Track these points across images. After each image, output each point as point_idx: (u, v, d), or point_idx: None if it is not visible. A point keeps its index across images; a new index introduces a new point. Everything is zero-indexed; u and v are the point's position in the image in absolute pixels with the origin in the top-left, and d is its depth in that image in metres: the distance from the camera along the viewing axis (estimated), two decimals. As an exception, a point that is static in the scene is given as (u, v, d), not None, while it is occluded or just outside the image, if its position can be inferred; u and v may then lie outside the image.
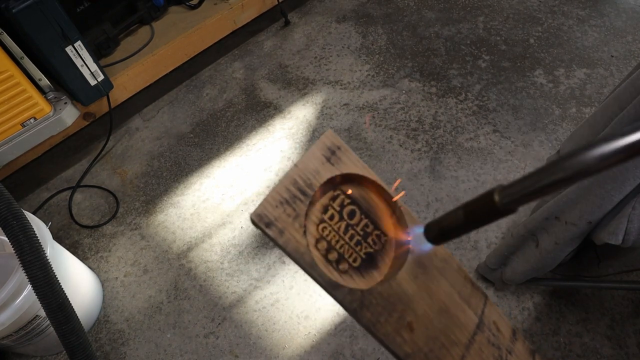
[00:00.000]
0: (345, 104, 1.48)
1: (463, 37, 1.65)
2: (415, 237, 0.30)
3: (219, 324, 1.06)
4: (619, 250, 1.03)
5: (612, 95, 0.75)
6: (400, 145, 1.34)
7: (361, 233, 0.30)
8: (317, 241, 0.29)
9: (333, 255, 0.29)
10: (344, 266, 0.29)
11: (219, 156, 1.39)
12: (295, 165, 0.28)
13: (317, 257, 0.28)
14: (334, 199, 0.30)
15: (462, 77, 1.52)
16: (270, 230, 0.26)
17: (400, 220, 0.32)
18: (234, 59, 1.68)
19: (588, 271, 1.05)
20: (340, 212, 0.30)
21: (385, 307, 0.29)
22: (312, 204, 0.29)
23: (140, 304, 1.12)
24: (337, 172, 0.30)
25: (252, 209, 1.24)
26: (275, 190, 0.27)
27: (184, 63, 1.54)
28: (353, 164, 0.31)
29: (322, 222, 0.29)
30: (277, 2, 1.67)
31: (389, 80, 1.53)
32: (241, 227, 1.22)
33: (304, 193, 0.28)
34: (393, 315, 0.29)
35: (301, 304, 1.07)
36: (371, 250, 0.30)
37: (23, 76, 1.12)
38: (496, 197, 0.22)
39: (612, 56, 1.52)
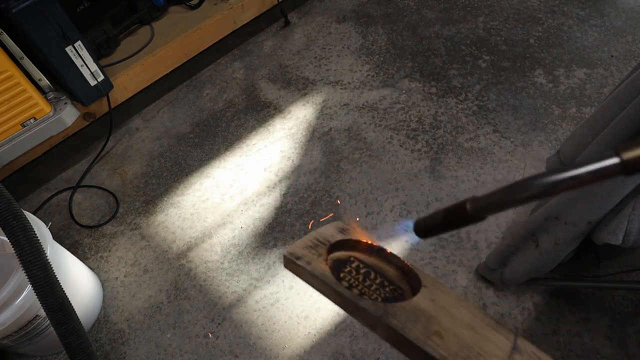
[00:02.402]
0: (345, 104, 1.48)
1: (463, 37, 1.65)
2: (405, 228, 0.34)
3: (219, 324, 1.06)
4: (619, 250, 1.03)
5: (612, 95, 0.75)
6: (401, 146, 1.34)
7: (378, 284, 0.33)
8: (339, 280, 0.33)
9: (356, 292, 0.32)
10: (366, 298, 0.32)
11: (219, 156, 1.39)
12: (317, 231, 0.35)
13: (330, 276, 0.33)
14: (349, 262, 0.35)
15: (462, 77, 1.52)
16: (300, 261, 0.32)
17: (413, 280, 0.35)
18: (234, 59, 1.68)
19: (588, 271, 1.05)
20: (357, 270, 0.34)
21: (409, 318, 0.30)
22: (331, 251, 0.34)
23: (140, 304, 1.12)
24: (349, 237, 0.35)
25: (252, 209, 1.25)
26: (302, 241, 0.34)
27: (184, 63, 1.54)
28: (363, 236, 0.36)
29: (341, 271, 0.34)
30: (277, 2, 1.67)
31: (389, 80, 1.53)
32: (241, 227, 1.22)
33: (323, 243, 0.35)
34: (418, 324, 0.30)
35: (301, 304, 1.07)
36: (390, 295, 0.33)
37: (23, 76, 1.12)
38: (468, 206, 0.27)
39: (612, 56, 1.52)
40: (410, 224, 0.32)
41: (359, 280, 0.33)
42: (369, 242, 0.36)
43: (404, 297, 0.33)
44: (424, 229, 0.31)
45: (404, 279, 0.35)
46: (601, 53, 1.53)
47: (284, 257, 0.32)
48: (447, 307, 0.32)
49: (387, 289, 0.33)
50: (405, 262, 0.35)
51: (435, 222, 0.30)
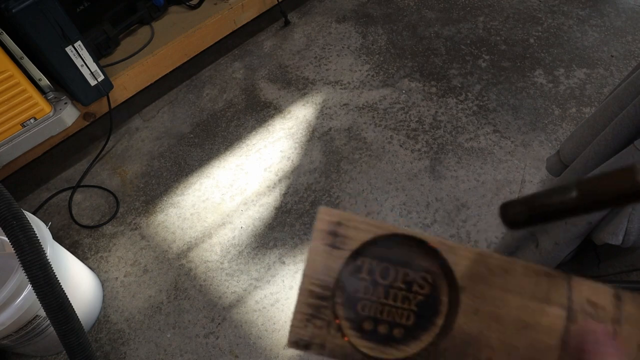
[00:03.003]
0: (345, 104, 1.48)
1: (463, 37, 1.65)
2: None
3: (219, 324, 1.06)
4: (619, 250, 1.03)
5: (612, 95, 0.75)
6: (401, 146, 1.34)
7: (403, 286, 0.27)
8: (360, 327, 0.26)
9: (384, 328, 0.26)
10: (398, 332, 0.26)
11: (219, 156, 1.39)
12: (304, 274, 0.26)
13: (366, 346, 0.26)
14: (360, 269, 0.27)
15: (462, 77, 1.52)
16: (312, 349, 0.25)
17: (431, 251, 0.28)
18: (234, 59, 1.68)
19: (588, 271, 1.05)
20: (372, 280, 0.27)
21: (457, 356, 0.26)
22: (336, 301, 0.27)
23: (140, 304, 1.12)
24: (348, 253, 0.27)
25: (252, 209, 1.25)
26: (296, 311, 0.26)
27: (184, 63, 1.54)
28: (362, 232, 0.27)
29: (357, 301, 0.27)
30: (277, 2, 1.67)
31: (389, 80, 1.53)
32: (241, 227, 1.22)
33: (324, 298, 0.26)
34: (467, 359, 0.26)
35: (301, 304, 1.07)
36: (421, 297, 0.27)
37: (23, 76, 1.12)
38: (638, 177, 0.19)
39: (612, 56, 1.52)
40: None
41: (381, 300, 0.27)
42: (372, 236, 0.28)
43: (436, 282, 0.27)
44: (527, 215, 0.22)
45: (424, 251, 0.28)
46: (601, 53, 1.53)
47: (289, 346, 0.25)
48: (492, 310, 0.27)
49: (414, 286, 0.27)
50: (428, 242, 0.27)
51: (558, 201, 0.21)
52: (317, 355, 0.26)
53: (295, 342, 0.25)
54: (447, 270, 0.27)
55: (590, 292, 0.29)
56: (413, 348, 0.26)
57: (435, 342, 0.26)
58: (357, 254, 0.27)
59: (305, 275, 0.26)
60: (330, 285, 0.26)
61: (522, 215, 0.23)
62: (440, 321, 0.27)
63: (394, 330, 0.26)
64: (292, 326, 0.25)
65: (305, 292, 0.26)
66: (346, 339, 0.26)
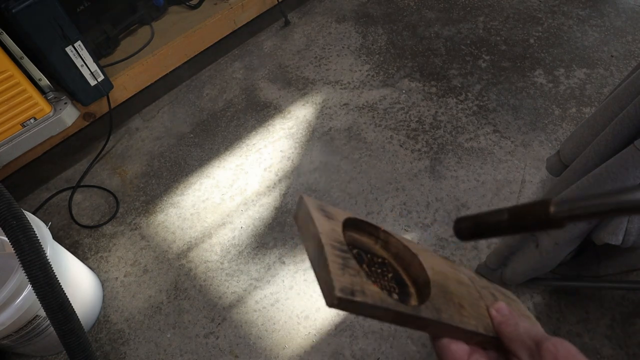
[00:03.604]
0: (345, 104, 1.48)
1: (463, 37, 1.65)
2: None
3: (219, 324, 1.06)
4: (619, 250, 1.03)
5: (612, 95, 0.75)
6: (401, 146, 1.34)
7: (374, 269, 0.31)
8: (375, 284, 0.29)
9: (386, 292, 0.29)
10: (395, 297, 0.30)
11: (219, 156, 1.39)
12: (320, 232, 0.27)
13: (388, 298, 0.28)
14: (363, 251, 0.31)
15: (462, 77, 1.52)
16: (357, 296, 0.25)
17: (387, 239, 0.33)
18: (234, 59, 1.68)
19: (588, 271, 1.05)
20: (370, 260, 0.31)
21: (442, 301, 0.30)
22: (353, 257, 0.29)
23: (140, 304, 1.12)
24: (340, 222, 0.30)
25: (252, 209, 1.24)
26: (330, 262, 0.26)
27: (184, 63, 1.54)
28: (339, 213, 0.31)
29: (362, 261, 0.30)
30: (277, 2, 1.67)
31: (389, 80, 1.53)
32: (241, 227, 1.22)
33: (345, 251, 0.28)
34: (449, 303, 0.30)
35: (301, 304, 1.07)
36: (391, 273, 0.31)
37: (23, 76, 1.12)
38: (552, 208, 0.22)
39: (612, 56, 1.52)
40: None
41: (367, 271, 0.30)
42: (378, 226, 0.33)
43: (398, 270, 0.32)
44: (471, 229, 0.27)
45: (378, 242, 0.33)
46: (601, 53, 1.53)
47: (337, 298, 0.24)
48: (442, 269, 0.33)
49: (383, 271, 0.31)
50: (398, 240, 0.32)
51: (493, 221, 0.25)
52: (361, 304, 0.25)
53: (342, 289, 0.25)
54: (396, 258, 0.32)
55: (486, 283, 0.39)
56: (414, 302, 0.30)
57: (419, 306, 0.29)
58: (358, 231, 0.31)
59: (321, 233, 0.27)
60: (343, 241, 0.28)
61: (467, 229, 0.27)
62: (412, 289, 0.31)
63: (392, 295, 0.29)
64: (333, 274, 0.25)
65: (329, 245, 0.27)
66: (375, 285, 0.27)
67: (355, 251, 0.30)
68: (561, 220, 0.22)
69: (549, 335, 0.27)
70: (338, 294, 0.24)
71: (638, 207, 0.20)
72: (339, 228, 0.29)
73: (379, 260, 0.32)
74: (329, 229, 0.28)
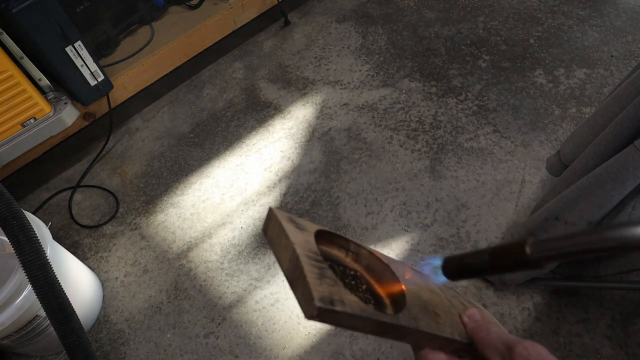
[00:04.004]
0: (345, 104, 1.48)
1: (463, 37, 1.65)
2: (430, 268, 0.31)
3: (219, 324, 1.06)
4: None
5: (612, 95, 0.75)
6: (401, 146, 1.34)
7: (347, 281, 0.30)
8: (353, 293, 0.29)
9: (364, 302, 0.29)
10: (371, 307, 0.30)
11: (219, 156, 1.39)
12: (293, 243, 0.27)
13: (368, 307, 0.28)
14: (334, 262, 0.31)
15: (462, 77, 1.52)
16: (336, 305, 0.25)
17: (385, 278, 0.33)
18: (234, 59, 1.68)
19: (588, 271, 1.05)
20: (343, 272, 0.31)
21: (419, 310, 0.31)
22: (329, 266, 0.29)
23: (140, 304, 1.12)
24: (312, 233, 0.30)
25: (252, 208, 1.24)
26: (307, 272, 0.26)
27: (184, 63, 1.54)
28: (309, 225, 0.31)
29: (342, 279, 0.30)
30: (277, 2, 1.67)
31: (389, 80, 1.53)
32: (241, 227, 1.22)
33: (320, 261, 0.28)
34: (425, 312, 0.31)
35: (301, 304, 1.07)
36: (365, 285, 0.31)
37: (23, 76, 1.12)
38: (527, 249, 0.23)
39: (612, 56, 1.52)
40: (438, 261, 0.30)
41: (351, 285, 0.30)
42: (351, 240, 0.33)
43: (368, 281, 0.32)
44: (457, 270, 0.28)
45: (348, 256, 0.33)
46: (601, 53, 1.53)
47: (317, 309, 0.24)
48: (413, 280, 0.33)
49: (358, 282, 0.31)
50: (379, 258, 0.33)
51: (476, 262, 0.26)
52: (341, 313, 0.25)
53: (321, 299, 0.24)
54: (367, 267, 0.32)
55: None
56: (390, 311, 0.30)
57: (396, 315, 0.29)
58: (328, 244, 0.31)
59: (294, 244, 0.27)
60: (317, 251, 0.28)
61: (454, 269, 0.28)
62: (386, 300, 0.31)
63: (368, 304, 0.28)
64: (311, 284, 0.25)
65: (304, 256, 0.27)
66: (354, 294, 0.27)
67: (327, 263, 0.29)
68: (537, 260, 0.22)
69: (520, 339, 0.28)
70: (317, 303, 0.24)
71: (607, 248, 0.21)
72: (311, 239, 0.29)
73: (352, 272, 0.31)
74: (302, 240, 0.28)
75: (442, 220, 1.18)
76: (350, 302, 0.26)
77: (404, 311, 0.29)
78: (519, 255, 0.23)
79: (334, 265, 0.31)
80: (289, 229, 0.28)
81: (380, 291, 0.32)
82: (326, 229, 0.32)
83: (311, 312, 0.24)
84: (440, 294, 0.35)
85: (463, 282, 1.06)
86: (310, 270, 0.26)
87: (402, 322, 0.28)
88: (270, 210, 0.30)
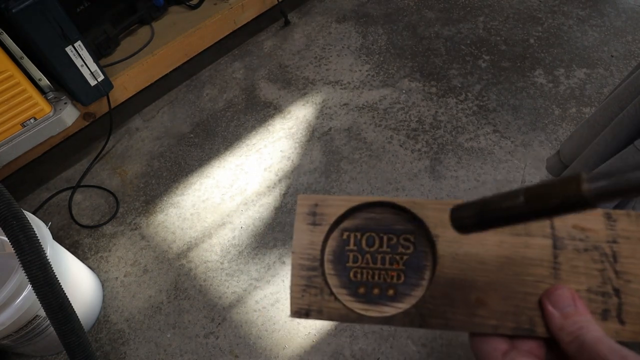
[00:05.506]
0: (345, 104, 1.48)
1: (463, 37, 1.65)
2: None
3: (219, 324, 1.06)
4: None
5: (612, 95, 0.75)
6: (401, 146, 1.34)
7: (389, 250, 0.29)
8: (356, 293, 0.29)
9: (377, 290, 0.28)
10: (391, 292, 0.28)
11: (219, 156, 1.39)
12: (293, 252, 0.29)
13: (361, 307, 0.28)
14: (346, 242, 0.30)
15: (462, 77, 1.52)
16: (312, 316, 0.28)
17: (402, 211, 0.30)
18: (234, 59, 1.68)
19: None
20: (360, 249, 0.29)
21: (445, 303, 0.27)
22: (329, 272, 0.30)
23: (140, 304, 1.12)
24: (327, 227, 0.30)
25: (252, 209, 1.24)
26: (293, 284, 0.29)
27: (184, 63, 1.54)
28: (336, 208, 0.30)
29: (346, 261, 0.30)
30: (277, 2, 1.67)
31: (389, 80, 1.53)
32: (241, 227, 1.22)
33: (313, 269, 0.29)
34: (456, 304, 0.27)
35: (301, 304, 1.07)
36: (407, 256, 0.29)
37: (23, 76, 1.12)
38: (584, 185, 0.18)
39: (612, 56, 1.52)
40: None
41: (370, 265, 0.29)
42: (350, 206, 0.30)
43: (418, 241, 0.29)
44: (476, 218, 0.22)
45: (401, 215, 0.30)
46: (601, 53, 1.53)
47: (292, 316, 0.29)
48: (470, 251, 0.28)
49: (399, 249, 0.29)
50: (396, 203, 0.30)
51: (506, 206, 0.20)
52: (318, 320, 0.29)
53: (297, 311, 0.28)
54: (421, 225, 0.29)
55: (576, 218, 0.28)
56: (406, 304, 0.28)
57: (422, 297, 0.28)
58: (342, 230, 0.30)
59: (293, 252, 0.29)
60: (317, 255, 0.29)
61: (471, 219, 0.23)
62: (428, 274, 0.28)
63: (387, 290, 0.28)
64: (292, 298, 0.29)
65: (297, 267, 0.29)
66: (345, 296, 0.28)
67: (361, 235, 0.29)
68: (596, 198, 0.18)
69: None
70: (292, 315, 0.29)
71: None
72: (321, 237, 0.29)
73: (393, 242, 0.29)
74: (306, 243, 0.29)
75: (442, 220, 1.17)
76: (329, 310, 0.28)
77: (412, 307, 0.27)
78: (571, 192, 0.18)
79: (374, 234, 0.29)
80: (299, 229, 0.30)
81: (429, 256, 0.29)
82: (367, 199, 0.29)
83: (291, 315, 0.29)
84: (542, 258, 0.27)
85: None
86: (296, 283, 0.29)
87: (396, 322, 0.27)
88: (298, 198, 0.31)
